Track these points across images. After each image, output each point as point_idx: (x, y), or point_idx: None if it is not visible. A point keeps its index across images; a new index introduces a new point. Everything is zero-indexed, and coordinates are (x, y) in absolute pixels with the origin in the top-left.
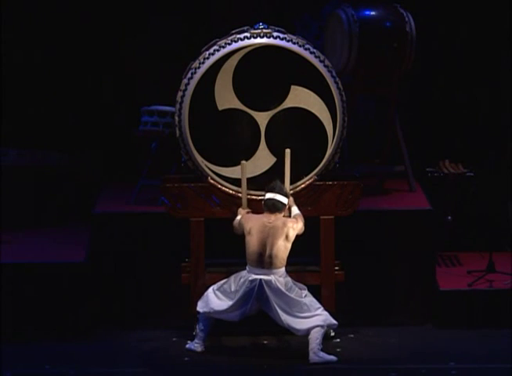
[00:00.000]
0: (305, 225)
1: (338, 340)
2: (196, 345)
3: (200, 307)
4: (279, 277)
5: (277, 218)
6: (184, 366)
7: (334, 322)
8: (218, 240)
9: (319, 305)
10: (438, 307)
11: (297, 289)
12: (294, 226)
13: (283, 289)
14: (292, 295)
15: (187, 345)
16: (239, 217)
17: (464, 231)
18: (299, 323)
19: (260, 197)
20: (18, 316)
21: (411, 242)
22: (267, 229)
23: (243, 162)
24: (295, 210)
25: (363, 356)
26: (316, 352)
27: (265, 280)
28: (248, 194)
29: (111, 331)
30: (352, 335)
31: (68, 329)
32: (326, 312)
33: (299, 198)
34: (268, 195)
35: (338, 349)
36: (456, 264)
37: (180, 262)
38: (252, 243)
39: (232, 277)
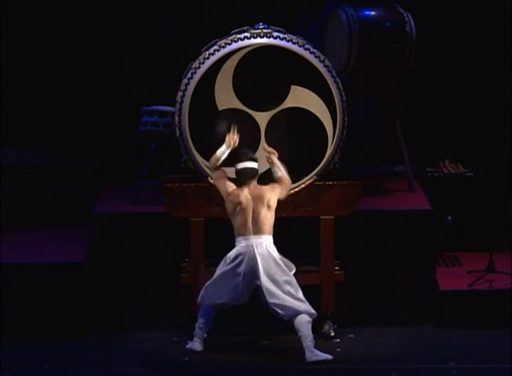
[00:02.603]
0: (291, 182)
1: (338, 340)
2: (195, 344)
3: (200, 301)
4: (269, 243)
5: (255, 189)
6: (184, 366)
7: (314, 311)
8: (218, 240)
9: (300, 289)
10: (438, 307)
11: (285, 266)
12: (273, 194)
13: (275, 255)
14: (281, 268)
15: (187, 346)
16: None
17: (464, 231)
18: (284, 300)
19: None
20: (18, 316)
21: (411, 242)
22: (248, 203)
23: (233, 125)
24: (277, 170)
25: (363, 356)
26: (312, 351)
27: (256, 244)
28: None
29: (111, 331)
30: (352, 335)
31: (68, 329)
32: (306, 300)
33: (299, 198)
34: (238, 166)
35: (338, 349)
36: (456, 264)
37: (180, 262)
38: (238, 218)
39: (222, 261)
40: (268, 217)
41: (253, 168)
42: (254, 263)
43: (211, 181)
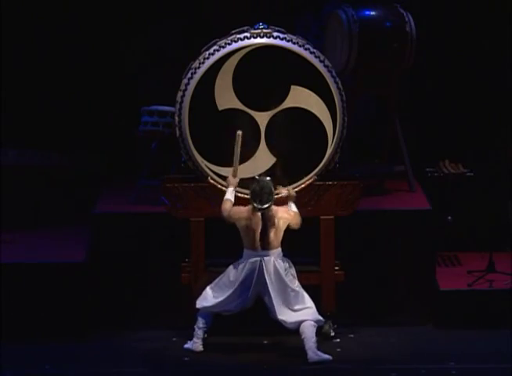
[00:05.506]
0: (302, 222)
1: (338, 340)
2: (194, 345)
3: (199, 304)
4: (277, 257)
5: (268, 211)
6: (184, 367)
7: (321, 318)
8: (218, 240)
9: (308, 296)
10: (438, 307)
11: (291, 276)
12: (285, 217)
13: (281, 271)
14: (287, 281)
15: (185, 345)
16: (229, 194)
17: (464, 231)
18: (291, 315)
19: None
20: (18, 317)
21: (411, 242)
22: (258, 222)
23: (239, 132)
24: (290, 206)
25: (363, 356)
26: (315, 352)
27: (265, 260)
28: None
29: (111, 331)
30: (352, 335)
31: (68, 329)
32: (314, 306)
33: (299, 198)
34: (255, 205)
35: (338, 349)
36: (456, 264)
37: (180, 262)
38: (247, 233)
39: (229, 268)
40: (276, 235)
41: (270, 206)
42: (263, 280)
43: (211, 181)
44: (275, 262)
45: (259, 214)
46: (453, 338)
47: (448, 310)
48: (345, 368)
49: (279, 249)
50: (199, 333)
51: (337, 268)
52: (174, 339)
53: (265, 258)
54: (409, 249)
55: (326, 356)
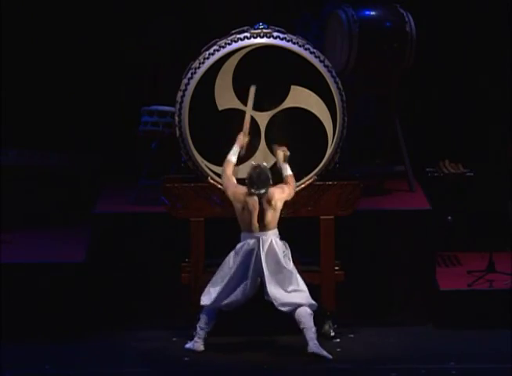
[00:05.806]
0: (295, 190)
1: (338, 340)
2: (195, 345)
3: (203, 300)
4: (276, 238)
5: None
6: (184, 367)
7: (314, 302)
8: (218, 240)
9: (302, 280)
10: (438, 307)
11: (287, 258)
12: (282, 197)
13: (278, 251)
14: (283, 262)
15: (186, 345)
16: (233, 154)
17: (464, 231)
18: (283, 295)
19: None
20: (18, 317)
21: (411, 242)
22: (255, 205)
23: (252, 87)
24: (286, 169)
25: (363, 356)
26: (316, 343)
27: (263, 239)
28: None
29: (111, 331)
30: (352, 335)
31: (68, 329)
32: (307, 290)
33: (299, 198)
34: (252, 190)
35: (338, 349)
36: (456, 264)
37: (180, 262)
38: (243, 216)
39: (228, 257)
40: (274, 216)
41: (265, 191)
42: (259, 260)
43: (211, 181)
44: (272, 242)
45: (256, 198)
46: (453, 338)
47: (448, 310)
48: (345, 368)
49: (276, 230)
50: (200, 333)
51: (337, 268)
52: (174, 339)
53: (263, 237)
54: (409, 249)
55: (326, 353)
